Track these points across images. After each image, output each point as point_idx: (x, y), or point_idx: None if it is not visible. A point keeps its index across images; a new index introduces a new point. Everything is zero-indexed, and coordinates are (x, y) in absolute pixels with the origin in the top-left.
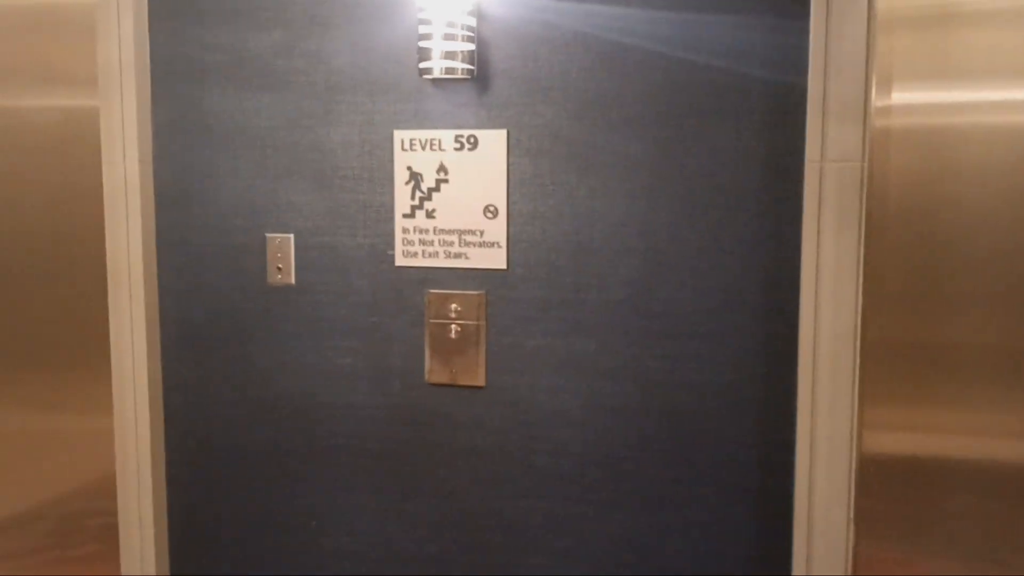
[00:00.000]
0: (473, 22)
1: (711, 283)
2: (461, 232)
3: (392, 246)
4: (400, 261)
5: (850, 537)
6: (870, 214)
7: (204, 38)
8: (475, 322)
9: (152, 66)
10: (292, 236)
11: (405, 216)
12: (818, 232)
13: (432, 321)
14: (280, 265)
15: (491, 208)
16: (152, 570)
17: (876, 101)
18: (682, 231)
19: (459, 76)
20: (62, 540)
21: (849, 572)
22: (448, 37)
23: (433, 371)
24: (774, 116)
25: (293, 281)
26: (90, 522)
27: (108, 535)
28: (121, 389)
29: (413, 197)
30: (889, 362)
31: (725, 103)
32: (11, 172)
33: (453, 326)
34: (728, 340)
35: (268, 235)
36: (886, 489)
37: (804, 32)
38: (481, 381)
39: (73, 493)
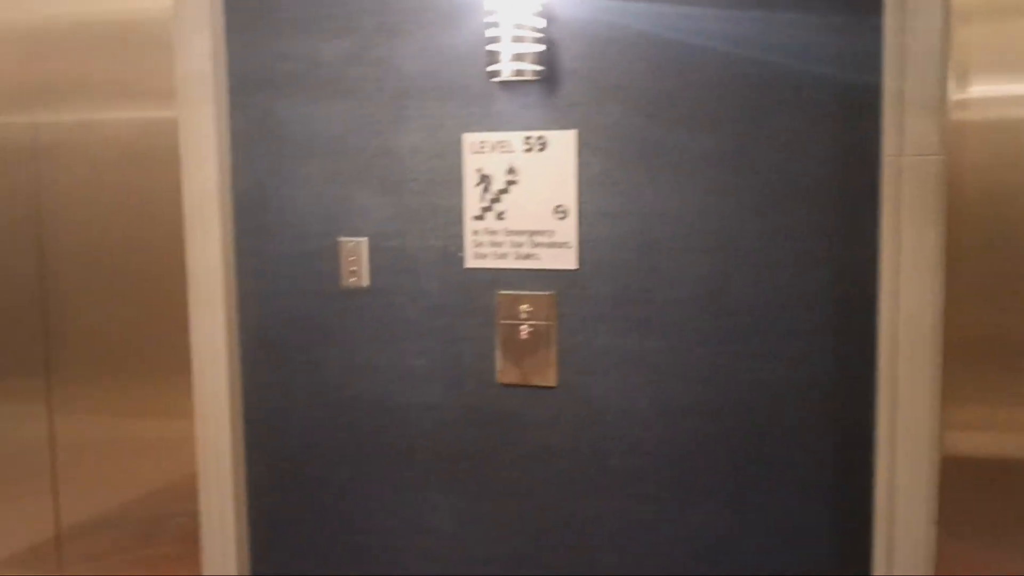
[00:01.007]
0: (541, 24)
1: (785, 280)
2: (531, 233)
3: (462, 248)
4: (470, 263)
5: (932, 537)
6: (950, 208)
7: (278, 48)
8: (545, 322)
9: (229, 76)
10: (365, 240)
11: (475, 218)
12: (898, 227)
13: (503, 322)
14: (354, 268)
15: (561, 208)
16: (233, 570)
17: (953, 94)
18: (755, 228)
19: (528, 78)
20: (146, 541)
21: (931, 573)
22: (516, 39)
23: (504, 371)
24: (848, 111)
25: (366, 284)
26: (173, 523)
27: (190, 536)
28: (202, 393)
29: (483, 199)
30: (972, 359)
31: (798, 99)
32: (94, 183)
33: (524, 326)
34: (804, 338)
35: (341, 239)
36: (969, 488)
37: (877, 28)
38: (552, 381)
39: (156, 495)
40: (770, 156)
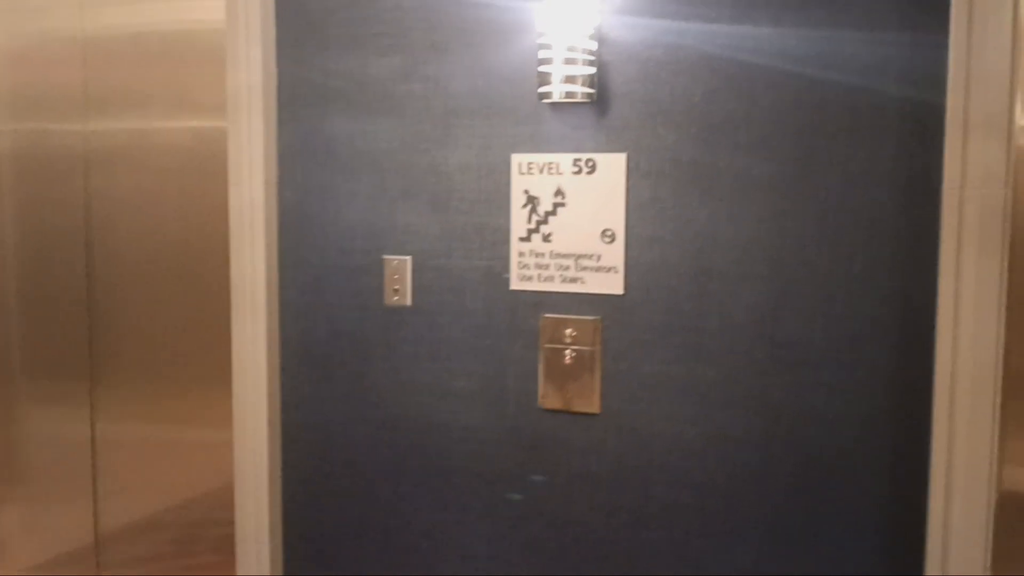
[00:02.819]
0: (594, 46)
1: (842, 311)
2: (577, 256)
3: (508, 269)
4: (515, 284)
5: None
6: (1013, 240)
7: (328, 64)
8: (590, 347)
9: (278, 91)
10: (409, 258)
11: (521, 239)
12: (957, 259)
13: (547, 345)
14: (397, 287)
15: (608, 232)
16: None
17: (1020, 119)
18: (811, 256)
19: (578, 100)
20: (182, 548)
21: None
22: (568, 61)
23: (547, 396)
24: (911, 136)
25: (409, 303)
26: (209, 532)
27: (225, 545)
28: (242, 404)
29: (530, 220)
30: None
31: (858, 123)
32: (143, 192)
33: (568, 351)
34: (859, 370)
35: (386, 257)
36: None
37: (943, 47)
38: (596, 408)
39: (193, 503)
40: (828, 182)
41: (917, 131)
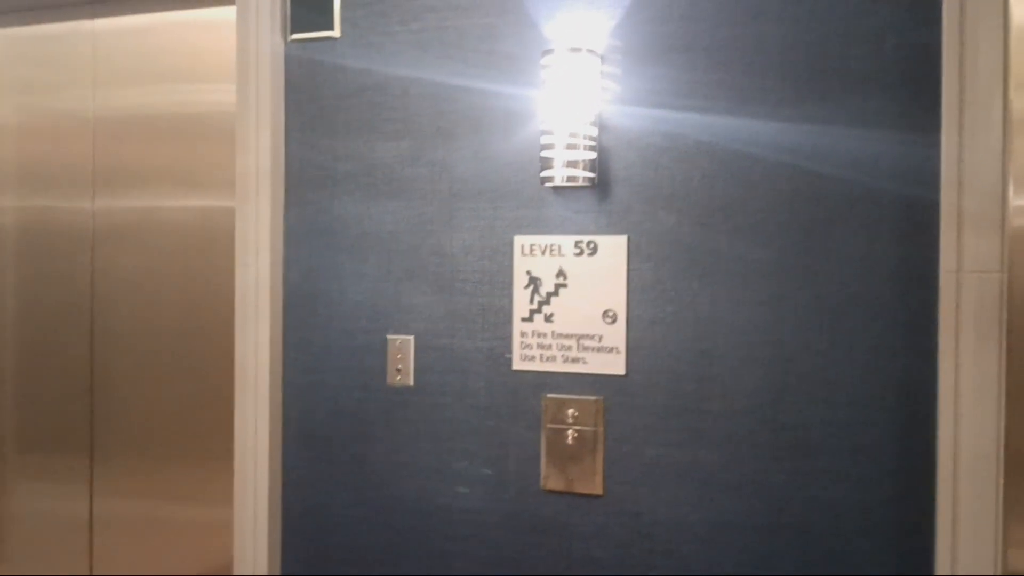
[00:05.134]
0: (595, 132)
1: (842, 396)
2: (579, 337)
3: (510, 350)
4: (518, 365)
5: None
6: (1011, 323)
7: (336, 148)
8: (592, 428)
9: (286, 173)
10: (412, 338)
11: (523, 320)
12: (956, 345)
13: (549, 426)
14: (400, 367)
15: (610, 313)
16: None
17: (1014, 200)
18: (811, 341)
19: (580, 184)
20: None
21: None
22: (570, 146)
23: (549, 477)
24: (905, 226)
25: (412, 383)
26: None
27: None
28: (243, 483)
29: (532, 301)
30: None
31: (854, 213)
32: (148, 269)
33: (570, 431)
34: (861, 456)
35: (389, 336)
36: None
37: (935, 144)
38: (599, 489)
39: None
40: (827, 268)
41: (912, 221)
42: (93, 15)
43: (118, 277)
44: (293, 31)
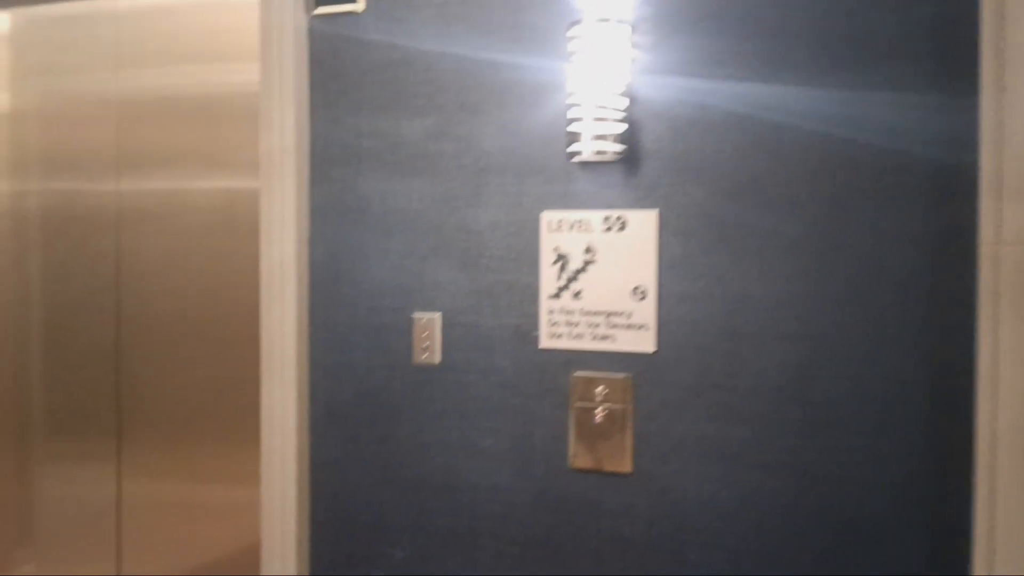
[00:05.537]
0: (624, 104)
1: (876, 371)
2: (608, 314)
3: (537, 327)
4: (545, 343)
5: None
6: None
7: (360, 124)
8: (621, 406)
9: (311, 151)
10: (439, 315)
11: (551, 297)
12: (996, 320)
13: (577, 404)
14: (426, 344)
15: (639, 289)
16: None
17: None
18: (843, 316)
19: (608, 158)
20: None
21: None
22: (598, 119)
23: (577, 456)
24: (942, 196)
25: (438, 360)
26: None
27: None
28: (270, 464)
29: (559, 278)
30: None
31: (888, 183)
32: (173, 250)
33: (598, 410)
34: (895, 434)
35: (415, 315)
36: None
37: (973, 108)
38: (628, 467)
39: (220, 564)
40: (860, 242)
41: (948, 191)
42: None
43: (143, 259)
44: (316, 5)
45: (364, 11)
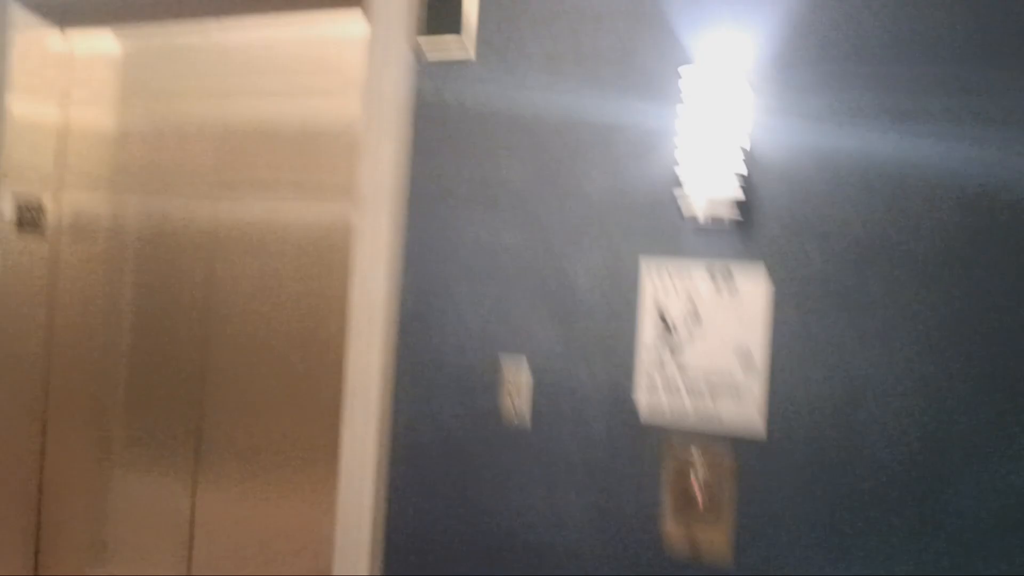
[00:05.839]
0: (740, 158)
1: (1018, 479)
2: (711, 379)
3: (633, 389)
4: (642, 405)
5: None
6: None
7: (461, 163)
8: (722, 484)
9: (410, 187)
10: (527, 366)
11: (649, 355)
12: None
13: (672, 478)
14: (513, 395)
15: (746, 356)
16: None
17: None
18: (981, 402)
19: (719, 214)
20: None
21: None
22: (711, 170)
23: (672, 537)
24: None
25: (526, 414)
26: None
27: None
28: (346, 500)
29: (659, 335)
30: None
31: None
32: (265, 275)
33: (696, 485)
34: None
35: (503, 362)
36: None
37: None
38: (728, 554)
39: None
40: (1004, 316)
41: None
42: (224, 30)
43: (234, 284)
44: (428, 53)
45: (476, 59)
